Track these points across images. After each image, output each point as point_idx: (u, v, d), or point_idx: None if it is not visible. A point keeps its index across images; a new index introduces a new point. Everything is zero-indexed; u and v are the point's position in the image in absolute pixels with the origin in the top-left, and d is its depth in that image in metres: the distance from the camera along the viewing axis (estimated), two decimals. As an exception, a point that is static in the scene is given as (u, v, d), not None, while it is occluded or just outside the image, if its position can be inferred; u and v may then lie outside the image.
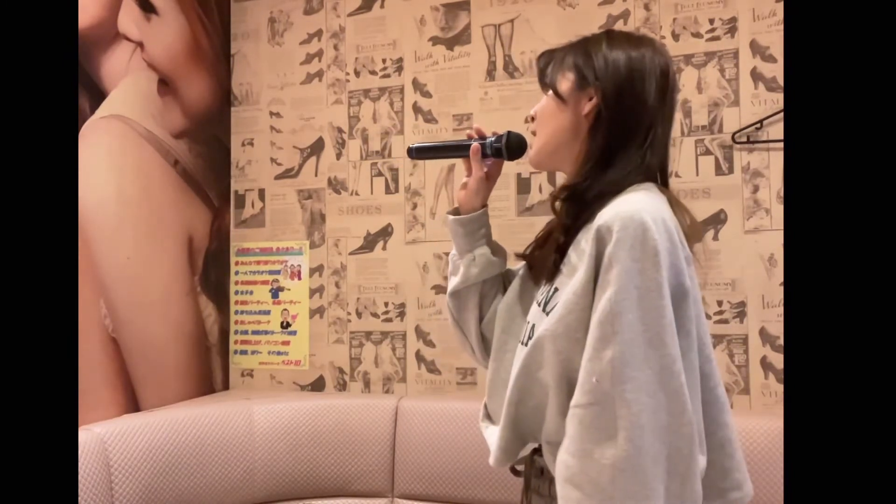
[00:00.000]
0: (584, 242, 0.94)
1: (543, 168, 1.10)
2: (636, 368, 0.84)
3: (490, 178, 1.16)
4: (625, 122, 0.98)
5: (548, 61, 1.06)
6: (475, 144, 1.13)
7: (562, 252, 0.99)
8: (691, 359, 0.88)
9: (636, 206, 0.89)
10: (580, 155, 1.01)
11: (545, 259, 1.03)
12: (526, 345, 0.99)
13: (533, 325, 1.01)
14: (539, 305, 1.01)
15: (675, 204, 0.98)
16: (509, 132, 1.13)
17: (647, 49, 1.01)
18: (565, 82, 1.03)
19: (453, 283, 1.16)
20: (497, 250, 1.16)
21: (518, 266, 1.17)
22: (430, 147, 1.27)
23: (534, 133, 1.08)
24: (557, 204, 1.02)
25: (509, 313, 1.11)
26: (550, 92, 1.05)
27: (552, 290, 0.99)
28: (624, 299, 0.85)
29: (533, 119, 1.08)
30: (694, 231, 0.97)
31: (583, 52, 1.02)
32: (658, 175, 1.01)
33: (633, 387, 0.84)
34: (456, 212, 1.17)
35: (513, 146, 1.12)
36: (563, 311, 0.92)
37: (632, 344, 0.84)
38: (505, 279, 1.18)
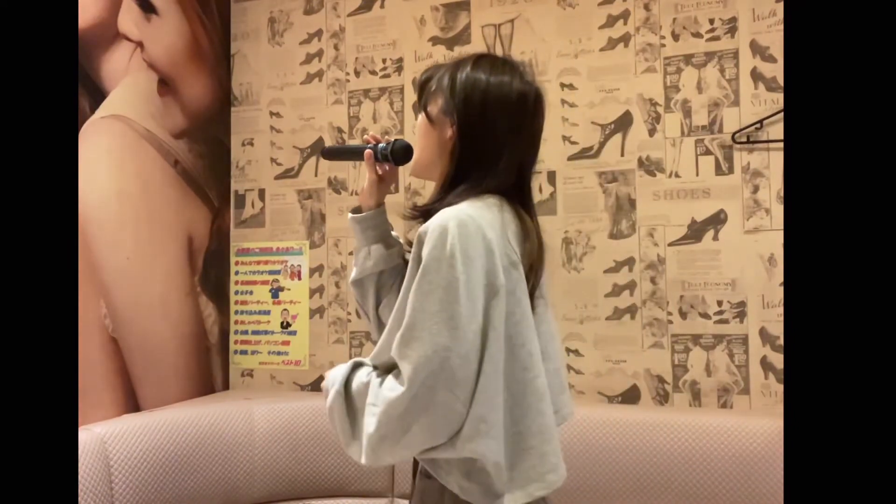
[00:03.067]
0: None
1: (422, 178, 1.19)
2: (413, 349, 0.95)
3: (384, 181, 1.24)
4: (475, 150, 1.07)
5: (425, 81, 1.14)
6: (368, 150, 1.21)
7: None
8: (493, 353, 0.97)
9: (449, 213, 0.99)
10: (443, 174, 1.10)
11: None
12: None
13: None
14: None
15: (517, 215, 1.07)
16: (396, 140, 1.21)
17: (507, 76, 1.07)
18: (435, 105, 1.11)
19: (353, 273, 1.26)
20: (392, 245, 1.24)
21: None
22: (337, 150, 1.36)
23: None
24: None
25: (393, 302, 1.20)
26: (422, 112, 1.12)
27: None
28: (416, 290, 0.97)
29: None
30: (528, 243, 1.06)
31: (450, 78, 1.10)
32: (512, 190, 1.08)
33: (404, 364, 0.95)
34: (357, 210, 1.25)
35: (397, 153, 1.20)
36: (397, 307, 1.02)
37: (412, 328, 0.96)
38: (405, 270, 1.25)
